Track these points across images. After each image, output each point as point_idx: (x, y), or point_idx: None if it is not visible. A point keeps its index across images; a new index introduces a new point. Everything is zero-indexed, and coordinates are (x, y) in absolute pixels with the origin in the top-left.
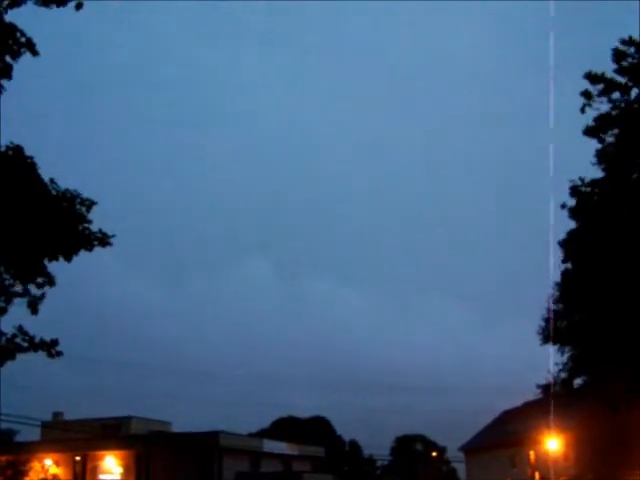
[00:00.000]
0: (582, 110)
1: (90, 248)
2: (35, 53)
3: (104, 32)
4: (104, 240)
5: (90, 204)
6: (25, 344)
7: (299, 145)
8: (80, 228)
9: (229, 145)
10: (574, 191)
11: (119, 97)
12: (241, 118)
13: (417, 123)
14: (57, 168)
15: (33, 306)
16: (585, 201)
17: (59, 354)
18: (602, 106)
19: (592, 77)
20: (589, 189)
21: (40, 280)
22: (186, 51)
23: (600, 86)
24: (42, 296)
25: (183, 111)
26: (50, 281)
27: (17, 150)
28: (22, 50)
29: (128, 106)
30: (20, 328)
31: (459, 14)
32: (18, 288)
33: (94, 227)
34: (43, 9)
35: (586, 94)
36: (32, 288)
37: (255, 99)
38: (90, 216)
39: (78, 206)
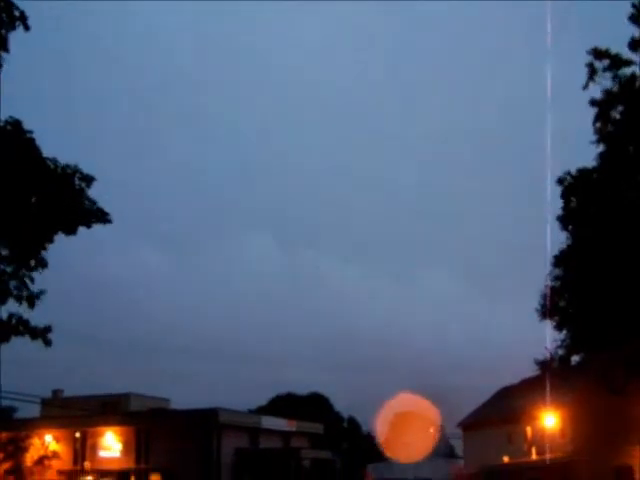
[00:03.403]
0: (585, 86)
1: (89, 225)
2: (27, 28)
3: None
4: (103, 217)
5: (90, 180)
6: (21, 328)
7: (299, 121)
8: (79, 204)
9: (232, 117)
10: (565, 189)
11: (132, 64)
12: (244, 91)
13: (418, 96)
14: (60, 139)
15: (30, 300)
16: (576, 191)
17: (49, 342)
18: (605, 82)
19: (597, 53)
20: (574, 181)
21: (32, 263)
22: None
23: (606, 62)
24: (41, 292)
25: (186, 79)
26: (42, 264)
27: (16, 125)
28: (16, 23)
29: (138, 77)
30: (12, 315)
31: None
32: (14, 283)
33: (94, 204)
34: None
35: (591, 68)
36: (29, 282)
37: (252, 70)
38: (90, 192)
39: (78, 181)
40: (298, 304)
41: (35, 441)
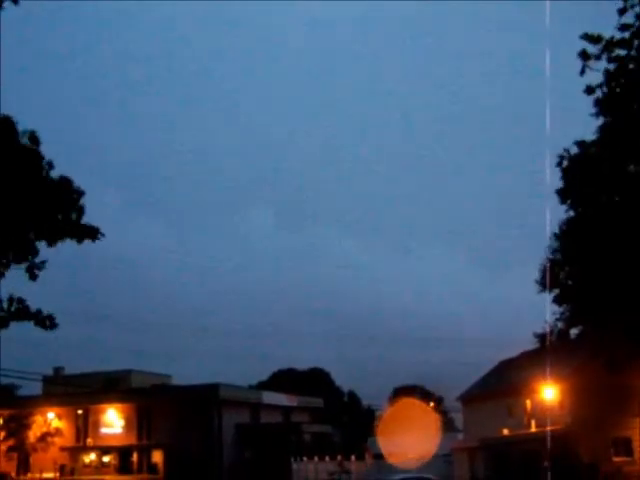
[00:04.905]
0: (582, 72)
1: (80, 240)
2: (16, 1)
3: None
4: (94, 234)
5: (79, 194)
6: (21, 314)
7: (306, 91)
8: (71, 217)
9: (233, 92)
10: (564, 169)
11: (117, 42)
12: (243, 65)
13: (418, 61)
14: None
15: (31, 272)
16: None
17: (54, 326)
18: (602, 64)
19: (590, 38)
20: (574, 154)
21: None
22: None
23: (599, 46)
24: (42, 263)
25: (184, 58)
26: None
27: (5, 121)
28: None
29: (131, 56)
30: (12, 298)
31: None
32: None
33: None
34: None
35: (584, 54)
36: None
37: (252, 45)
38: (81, 203)
39: (71, 194)
40: (299, 279)
41: (37, 418)
